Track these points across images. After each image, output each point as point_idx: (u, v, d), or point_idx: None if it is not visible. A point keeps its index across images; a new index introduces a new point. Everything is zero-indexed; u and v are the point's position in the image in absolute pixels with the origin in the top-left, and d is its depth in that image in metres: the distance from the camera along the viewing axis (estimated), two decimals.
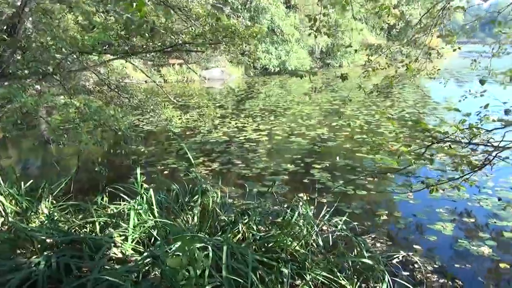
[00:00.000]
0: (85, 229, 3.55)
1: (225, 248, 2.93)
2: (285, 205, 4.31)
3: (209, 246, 2.96)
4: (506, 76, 6.31)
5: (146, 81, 20.61)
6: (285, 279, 2.97)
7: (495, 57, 5.56)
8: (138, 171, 3.88)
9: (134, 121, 9.92)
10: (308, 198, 4.49)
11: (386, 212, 4.72)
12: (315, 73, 4.74)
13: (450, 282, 3.32)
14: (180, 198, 4.54)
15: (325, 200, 5.05)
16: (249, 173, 6.21)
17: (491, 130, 3.41)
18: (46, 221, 3.65)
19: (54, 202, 4.09)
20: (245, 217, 4.03)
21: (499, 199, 4.73)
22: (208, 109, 8.28)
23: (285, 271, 2.83)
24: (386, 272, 3.09)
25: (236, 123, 9.97)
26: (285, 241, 3.46)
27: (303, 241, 3.51)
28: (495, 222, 4.36)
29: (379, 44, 6.37)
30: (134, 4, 2.39)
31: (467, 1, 8.00)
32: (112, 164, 6.74)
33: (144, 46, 6.62)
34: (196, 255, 2.76)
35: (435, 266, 3.55)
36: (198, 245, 2.97)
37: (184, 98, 13.73)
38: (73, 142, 5.02)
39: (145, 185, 3.86)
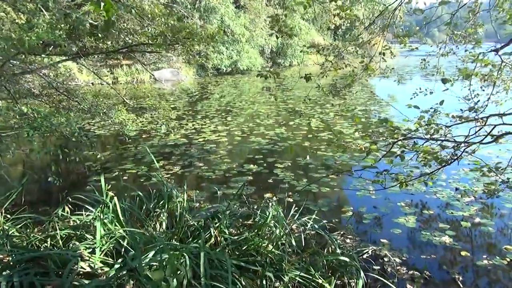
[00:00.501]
0: (46, 244, 3.30)
1: (202, 254, 2.85)
2: (255, 207, 4.27)
3: (185, 254, 2.87)
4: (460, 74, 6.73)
5: (92, 83, 19.78)
6: (264, 282, 2.95)
7: (443, 56, 5.87)
8: (102, 178, 3.68)
9: (84, 125, 9.42)
10: (277, 198, 4.49)
11: (351, 208, 4.84)
12: (278, 74, 4.77)
13: (418, 273, 3.46)
14: (145, 204, 4.38)
15: (291, 200, 5.08)
16: (212, 175, 6.11)
17: (450, 126, 3.61)
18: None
19: (8, 216, 3.75)
20: (215, 221, 3.96)
21: (457, 189, 5.03)
22: (165, 111, 8.04)
23: (269, 274, 2.80)
24: (360, 268, 3.16)
25: (193, 125, 9.79)
26: (259, 243, 3.43)
27: (277, 242, 3.51)
28: (451, 213, 4.62)
29: (336, 45, 6.52)
30: (102, 4, 2.23)
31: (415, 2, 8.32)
32: (65, 172, 6.35)
33: (97, 47, 6.31)
34: (176, 265, 2.66)
35: (403, 258, 3.69)
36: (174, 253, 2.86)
37: (137, 100, 13.25)
38: (18, 150, 4.66)
39: (110, 193, 3.65)
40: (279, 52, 30.02)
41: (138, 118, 9.00)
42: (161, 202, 4.40)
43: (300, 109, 11.52)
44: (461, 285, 3.27)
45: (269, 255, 3.35)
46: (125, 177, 6.14)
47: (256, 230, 3.80)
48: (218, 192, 5.42)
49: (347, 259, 3.14)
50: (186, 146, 7.85)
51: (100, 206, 3.61)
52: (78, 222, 3.52)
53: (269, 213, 3.58)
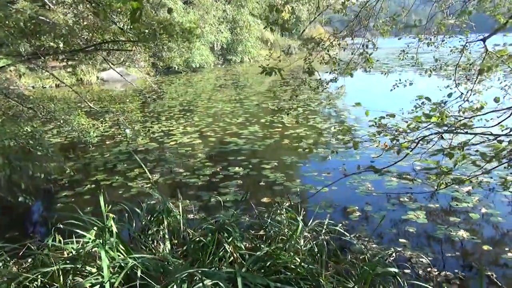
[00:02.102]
0: (36, 283, 2.72)
1: (239, 280, 2.48)
2: (265, 215, 3.92)
3: (220, 282, 2.48)
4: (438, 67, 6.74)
5: (33, 86, 18.20)
6: None
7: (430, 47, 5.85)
8: (102, 198, 3.13)
9: (34, 133, 8.44)
10: (290, 203, 4.16)
11: (357, 208, 4.63)
12: (281, 70, 4.45)
13: (450, 273, 3.31)
14: (142, 221, 3.89)
15: (292, 203, 4.78)
16: (198, 182, 5.64)
17: (471, 117, 3.48)
18: None
19: None
20: (225, 235, 3.57)
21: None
22: (130, 113, 7.41)
23: None
24: (399, 275, 2.94)
25: (160, 127, 9.17)
26: (288, 258, 3.09)
27: (304, 253, 3.20)
28: (457, 204, 4.57)
29: (320, 38, 6.29)
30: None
31: None
32: (30, 190, 5.56)
33: (57, 47, 5.60)
34: None
35: (429, 258, 3.52)
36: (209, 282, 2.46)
37: (91, 103, 12.23)
38: None
39: (111, 215, 3.12)
40: (230, 49, 29.55)
41: (99, 123, 8.25)
42: (155, 216, 3.94)
43: (267, 106, 11.26)
44: (499, 283, 3.15)
45: (299, 269, 3.02)
46: (98, 190, 5.49)
47: (277, 242, 3.47)
48: (211, 199, 5.02)
49: (393, 269, 2.88)
50: (160, 151, 7.27)
51: (97, 230, 3.09)
52: (74, 252, 2.95)
53: (298, 224, 3.23)
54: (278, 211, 3.92)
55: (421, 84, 11.61)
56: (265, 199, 4.95)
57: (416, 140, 3.25)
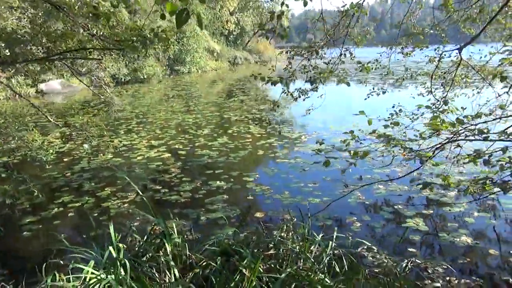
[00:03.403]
0: None
1: None
2: (274, 232, 3.68)
3: None
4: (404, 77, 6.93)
5: None
6: None
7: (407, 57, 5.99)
8: (111, 227, 2.72)
9: None
10: (291, 217, 3.94)
11: (355, 218, 4.55)
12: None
13: (470, 281, 3.30)
14: (135, 246, 3.49)
15: (289, 217, 4.58)
16: (180, 199, 5.26)
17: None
18: None
19: None
20: (235, 257, 3.31)
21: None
22: (92, 127, 6.82)
23: None
24: None
25: (120, 141, 8.55)
26: (311, 277, 2.89)
27: (327, 272, 3.02)
28: (449, 210, 4.65)
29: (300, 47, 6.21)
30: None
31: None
32: None
33: (16, 55, 5.02)
34: None
35: (443, 267, 3.49)
36: None
37: (31, 117, 11.16)
38: None
39: (121, 245, 2.71)
40: (177, 59, 28.91)
41: (57, 139, 7.55)
42: (151, 240, 3.57)
43: (227, 116, 11.02)
44: None
45: None
46: (70, 213, 4.91)
47: (291, 261, 3.25)
48: (201, 218, 4.68)
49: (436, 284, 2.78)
50: (128, 168, 6.73)
51: (103, 263, 2.67)
52: None
53: (314, 240, 3.04)
54: (285, 227, 3.71)
55: (393, 93, 12.11)
56: (258, 214, 4.71)
57: (434, 148, 3.21)
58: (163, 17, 3.32)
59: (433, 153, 3.22)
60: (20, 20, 5.63)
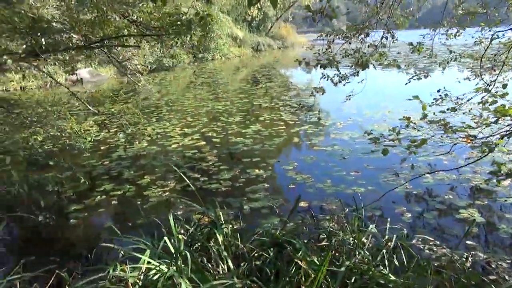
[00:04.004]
0: None
1: None
2: (331, 224, 3.57)
3: None
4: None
5: (23, 88, 17.07)
6: None
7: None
8: (171, 217, 2.67)
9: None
10: (345, 208, 3.81)
11: (404, 208, 4.38)
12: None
13: None
14: (189, 237, 3.45)
15: (334, 207, 4.47)
16: (220, 188, 5.20)
17: None
18: None
19: None
20: (288, 248, 3.22)
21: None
22: (131, 116, 6.83)
23: None
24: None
25: (153, 129, 8.57)
26: (374, 272, 2.77)
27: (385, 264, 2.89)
28: (505, 200, 4.43)
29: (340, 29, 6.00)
30: None
31: None
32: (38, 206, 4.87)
33: (56, 43, 5.01)
34: None
35: (508, 261, 3.31)
36: None
37: (64, 106, 11.34)
38: None
39: (181, 237, 2.66)
40: (201, 46, 28.79)
41: (94, 128, 7.62)
42: (201, 230, 3.52)
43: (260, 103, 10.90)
44: None
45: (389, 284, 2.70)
46: (113, 201, 4.93)
47: (345, 254, 3.14)
48: (244, 207, 4.62)
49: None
50: (164, 155, 6.72)
51: (164, 255, 2.63)
52: (140, 283, 2.47)
53: (366, 232, 2.91)
54: (336, 218, 3.59)
55: (436, 77, 11.67)
56: (302, 203, 4.60)
57: (503, 133, 3.01)
58: (209, 1, 3.19)
59: (502, 139, 3.02)
60: (58, 9, 5.62)
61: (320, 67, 3.83)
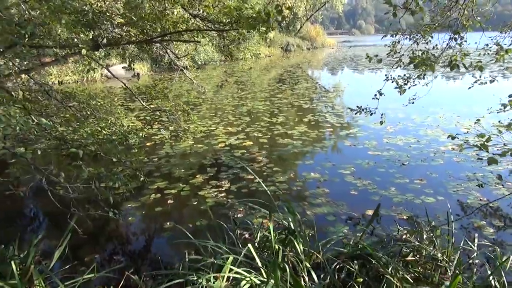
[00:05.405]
0: None
1: None
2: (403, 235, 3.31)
3: None
4: None
5: (61, 82, 17.37)
6: None
7: None
8: (271, 225, 2.47)
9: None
10: (431, 221, 3.53)
11: (483, 222, 4.05)
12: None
13: None
14: (261, 243, 3.26)
15: (405, 217, 4.19)
16: (278, 191, 4.99)
17: None
18: None
19: None
20: (374, 263, 2.98)
21: None
22: (181, 113, 6.69)
23: None
24: None
25: (196, 127, 8.44)
26: None
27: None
28: None
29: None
30: None
31: None
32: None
33: (119, 37, 4.92)
34: None
35: None
36: None
37: (103, 100, 11.38)
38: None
39: (277, 246, 2.46)
40: (226, 45, 28.72)
41: (143, 124, 7.55)
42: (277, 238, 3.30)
43: (303, 104, 10.64)
44: None
45: None
46: (169, 201, 4.79)
47: (439, 272, 2.88)
48: (307, 212, 4.39)
49: None
50: (212, 155, 6.57)
51: (266, 265, 2.44)
52: None
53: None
54: (422, 231, 3.32)
55: (504, 82, 11.07)
56: (369, 212, 4.34)
57: None
58: None
59: None
60: (117, 2, 5.53)
61: (414, 66, 3.56)
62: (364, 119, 8.59)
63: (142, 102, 5.79)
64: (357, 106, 5.39)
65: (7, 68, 3.46)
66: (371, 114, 5.34)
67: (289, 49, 39.46)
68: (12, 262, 2.61)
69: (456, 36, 5.28)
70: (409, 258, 3.15)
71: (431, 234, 3.26)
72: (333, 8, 48.66)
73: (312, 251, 3.11)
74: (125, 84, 5.56)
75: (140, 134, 5.99)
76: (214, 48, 25.25)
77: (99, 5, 5.38)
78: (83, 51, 3.56)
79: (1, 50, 3.66)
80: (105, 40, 4.75)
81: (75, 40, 4.90)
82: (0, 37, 3.14)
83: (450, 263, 3.04)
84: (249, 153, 6.57)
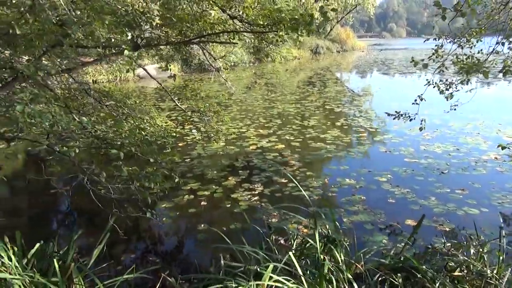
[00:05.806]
0: None
1: None
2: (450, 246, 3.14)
3: None
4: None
5: (96, 81, 17.85)
6: None
7: None
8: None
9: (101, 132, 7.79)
10: (479, 236, 3.36)
11: None
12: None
13: None
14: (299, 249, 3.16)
15: (447, 229, 4.00)
16: (313, 196, 4.88)
17: None
18: None
19: None
20: (420, 277, 2.84)
21: None
22: (216, 114, 6.69)
23: None
24: None
25: (227, 129, 8.43)
26: None
27: None
28: None
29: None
30: None
31: None
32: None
33: (159, 38, 4.94)
34: None
35: None
36: None
37: (138, 100, 11.57)
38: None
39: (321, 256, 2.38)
40: (261, 47, 28.75)
41: (176, 124, 7.61)
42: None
43: (330, 107, 10.46)
44: None
45: None
46: (202, 202, 4.78)
47: None
48: (344, 220, 4.27)
49: None
50: (244, 157, 6.53)
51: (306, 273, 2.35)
52: None
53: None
54: (470, 245, 3.15)
55: None
56: (409, 222, 4.17)
57: None
58: None
59: None
60: (156, 3, 5.59)
61: (465, 73, 3.40)
62: (398, 124, 8.34)
63: (176, 103, 5.80)
64: (396, 112, 5.23)
65: (53, 67, 3.51)
66: (410, 120, 5.17)
67: (318, 52, 39.12)
68: (54, 260, 2.63)
69: (504, 40, 5.05)
70: (456, 273, 2.98)
71: (480, 249, 3.08)
72: (365, 10, 47.98)
73: (353, 261, 3.00)
74: (161, 84, 5.58)
75: (174, 134, 6.04)
76: (244, 50, 25.33)
77: (140, 5, 5.44)
78: (126, 52, 3.57)
79: (45, 49, 3.74)
80: (144, 41, 4.78)
81: (113, 40, 4.97)
82: (45, 36, 3.19)
83: (501, 281, 2.86)
84: (281, 156, 6.49)
